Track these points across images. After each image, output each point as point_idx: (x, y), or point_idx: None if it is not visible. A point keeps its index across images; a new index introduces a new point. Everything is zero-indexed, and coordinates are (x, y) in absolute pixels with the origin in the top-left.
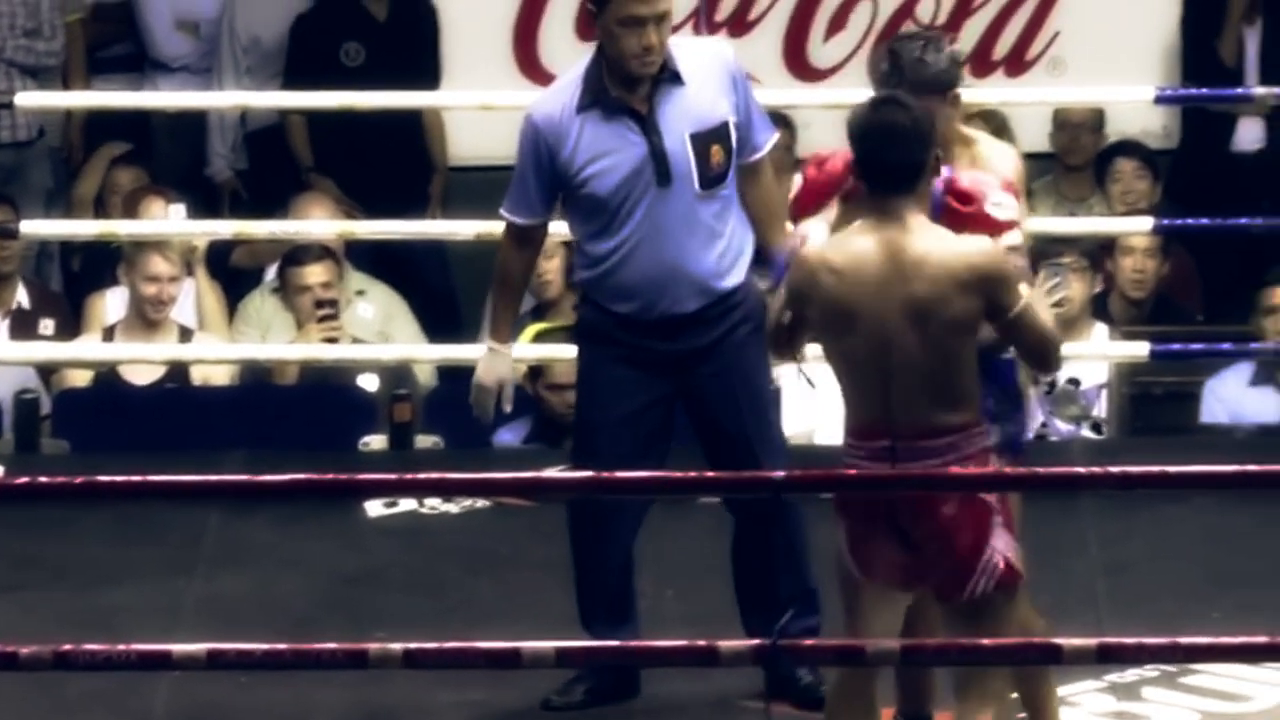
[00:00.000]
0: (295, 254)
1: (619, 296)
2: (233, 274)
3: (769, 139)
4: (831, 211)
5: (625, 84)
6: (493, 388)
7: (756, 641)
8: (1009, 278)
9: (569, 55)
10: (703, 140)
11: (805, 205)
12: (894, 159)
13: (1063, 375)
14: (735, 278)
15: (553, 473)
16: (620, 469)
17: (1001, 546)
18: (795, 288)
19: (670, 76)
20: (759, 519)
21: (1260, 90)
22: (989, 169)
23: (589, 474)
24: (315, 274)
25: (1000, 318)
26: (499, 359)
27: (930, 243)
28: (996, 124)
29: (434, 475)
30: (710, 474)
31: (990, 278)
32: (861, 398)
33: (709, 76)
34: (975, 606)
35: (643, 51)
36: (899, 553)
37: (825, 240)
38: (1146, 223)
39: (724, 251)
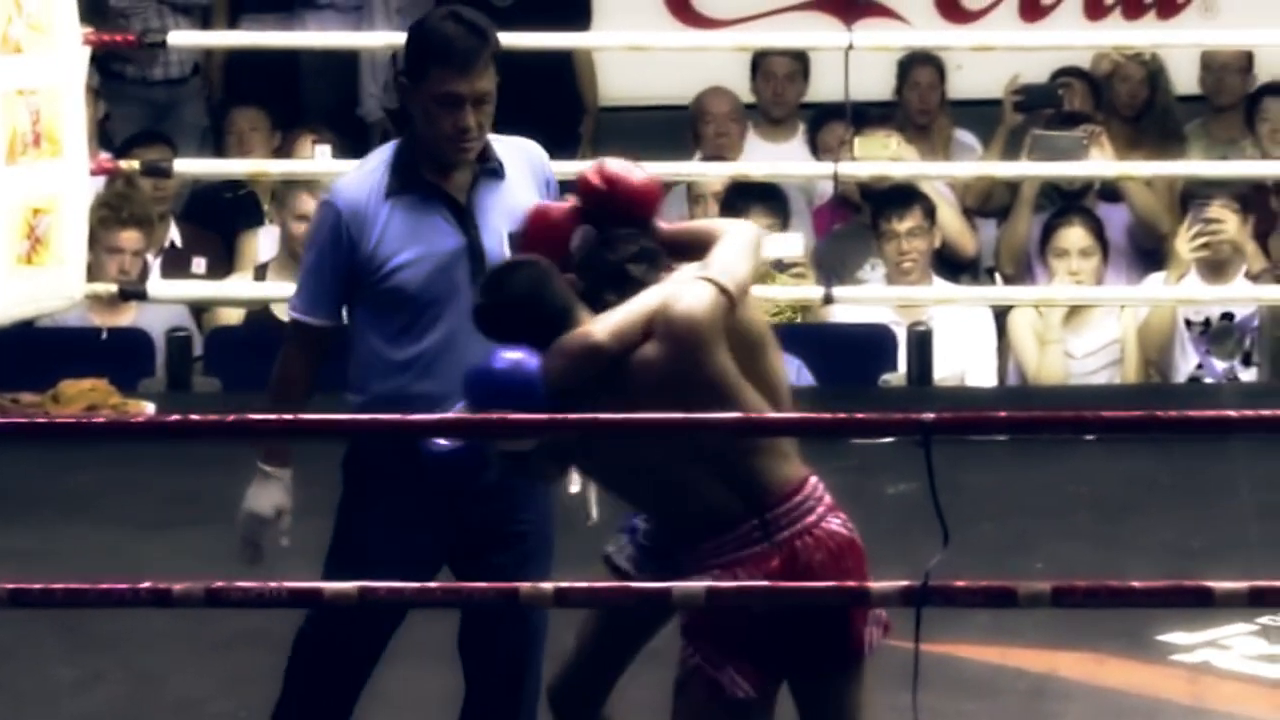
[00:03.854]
0: None
1: (419, 414)
2: None
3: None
4: None
5: (440, 170)
6: (271, 517)
7: None
8: None
9: None
10: None
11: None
12: None
13: (1215, 312)
14: None
15: None
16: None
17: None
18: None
19: (493, 168)
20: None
21: None
22: None
23: None
24: None
25: None
26: (274, 484)
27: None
28: (1151, 68)
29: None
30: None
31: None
32: (700, 496)
33: (525, 175)
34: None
35: (458, 133)
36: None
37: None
38: None
39: None
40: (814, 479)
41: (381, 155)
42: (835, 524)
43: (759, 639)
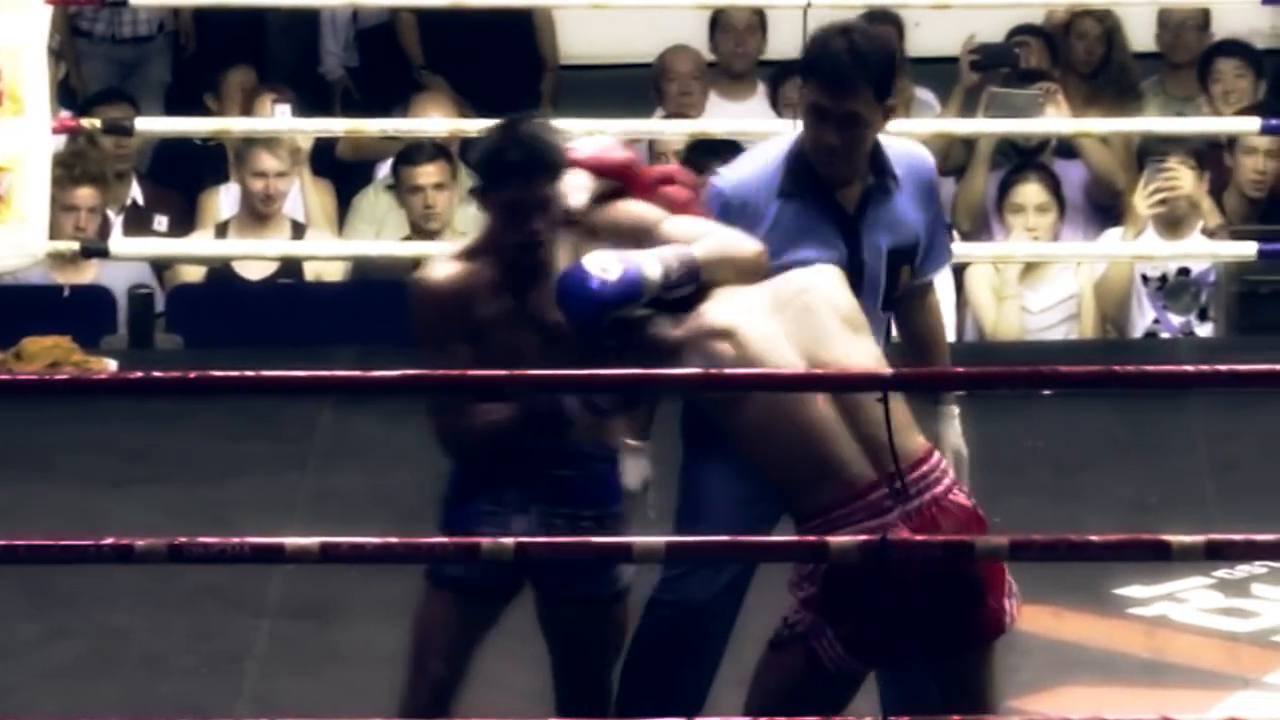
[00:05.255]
0: (409, 154)
1: None
2: (339, 168)
3: (948, 260)
4: None
5: (829, 176)
6: (640, 491)
7: None
8: None
9: None
10: (898, 257)
11: None
12: None
13: (1171, 268)
14: None
15: None
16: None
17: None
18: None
19: (886, 183)
20: None
21: None
22: None
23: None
24: (428, 174)
25: None
26: (639, 457)
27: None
28: (1108, 24)
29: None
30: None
31: None
32: (829, 454)
33: (914, 187)
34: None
35: (821, 148)
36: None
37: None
38: (1254, 123)
39: None
40: (937, 452)
41: (778, 149)
42: (962, 498)
43: (879, 613)
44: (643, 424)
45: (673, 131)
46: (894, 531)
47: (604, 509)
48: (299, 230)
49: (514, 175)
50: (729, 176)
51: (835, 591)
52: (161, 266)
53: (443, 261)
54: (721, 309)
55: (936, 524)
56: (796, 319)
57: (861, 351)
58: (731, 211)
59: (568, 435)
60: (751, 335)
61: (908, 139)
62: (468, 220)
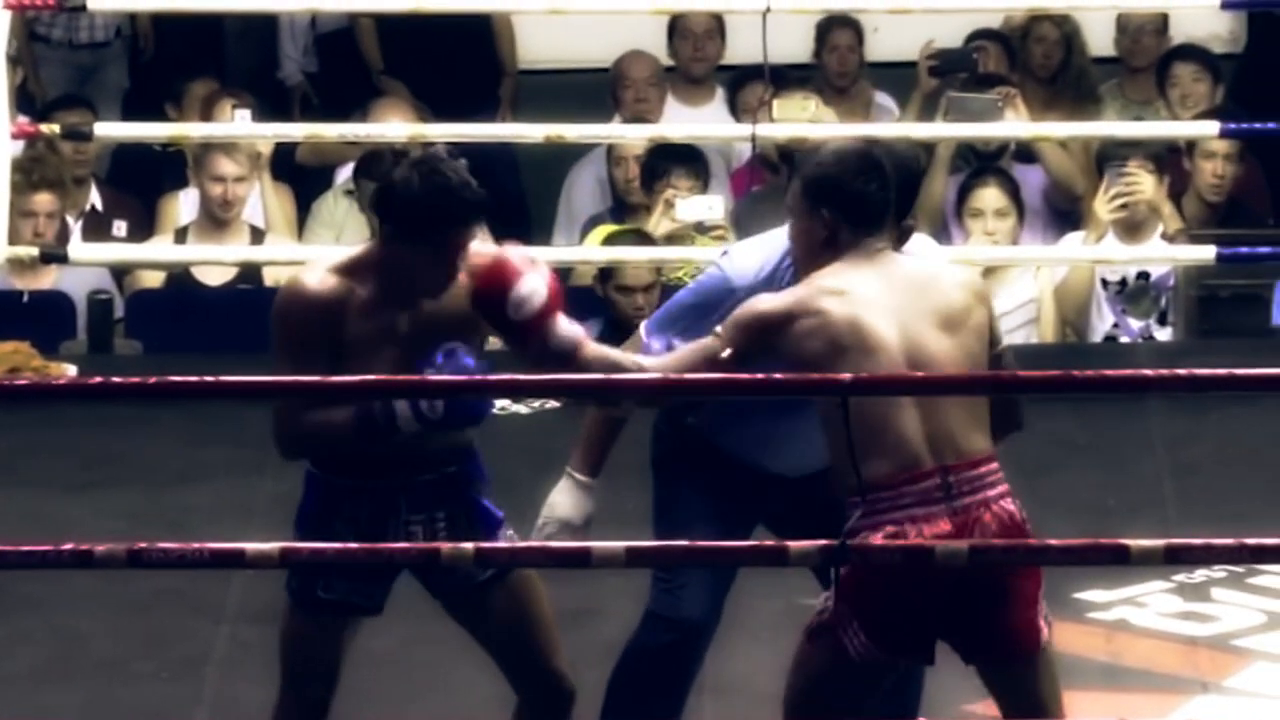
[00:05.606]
0: (368, 162)
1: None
2: (299, 172)
3: None
4: None
5: None
6: (581, 525)
7: None
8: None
9: None
10: None
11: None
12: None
13: (1131, 272)
14: None
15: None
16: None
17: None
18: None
19: None
20: None
21: None
22: None
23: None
24: None
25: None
26: (586, 492)
27: (930, 263)
28: (1066, 29)
29: (504, 377)
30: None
31: (987, 297)
32: (894, 434)
33: None
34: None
35: None
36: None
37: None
38: (1213, 127)
39: None
40: (997, 461)
41: (781, 244)
42: (1012, 506)
43: (901, 607)
44: (593, 462)
45: (631, 136)
46: (934, 525)
47: (455, 508)
48: (258, 235)
49: (462, 218)
50: (741, 268)
51: (862, 579)
52: (121, 272)
53: (318, 271)
54: (835, 275)
55: (980, 526)
56: (905, 295)
57: (948, 347)
58: (738, 302)
59: (397, 441)
60: (863, 298)
61: (924, 236)
62: None
